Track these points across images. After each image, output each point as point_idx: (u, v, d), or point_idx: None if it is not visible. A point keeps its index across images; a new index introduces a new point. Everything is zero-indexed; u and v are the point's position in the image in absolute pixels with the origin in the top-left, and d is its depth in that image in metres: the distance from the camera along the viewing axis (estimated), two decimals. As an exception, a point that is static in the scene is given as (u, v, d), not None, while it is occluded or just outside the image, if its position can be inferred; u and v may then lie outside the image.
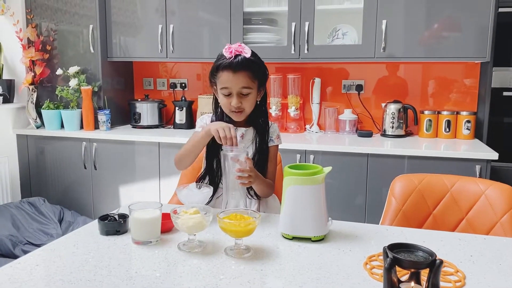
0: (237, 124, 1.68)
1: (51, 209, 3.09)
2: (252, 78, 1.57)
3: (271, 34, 3.07)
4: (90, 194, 3.24)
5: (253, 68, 1.57)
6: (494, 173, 2.60)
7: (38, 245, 2.80)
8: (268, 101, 1.77)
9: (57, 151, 3.27)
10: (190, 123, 3.38)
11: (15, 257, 2.67)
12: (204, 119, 1.75)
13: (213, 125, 1.53)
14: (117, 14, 3.25)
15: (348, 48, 2.91)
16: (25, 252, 2.69)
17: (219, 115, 1.69)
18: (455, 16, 2.69)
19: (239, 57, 1.54)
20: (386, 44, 2.79)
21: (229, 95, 1.58)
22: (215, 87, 1.63)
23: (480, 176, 2.50)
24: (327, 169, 1.32)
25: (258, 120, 1.69)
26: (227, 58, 1.55)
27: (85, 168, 3.21)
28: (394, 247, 0.97)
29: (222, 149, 1.52)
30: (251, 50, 1.59)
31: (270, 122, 1.73)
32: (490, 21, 2.63)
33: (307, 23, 2.89)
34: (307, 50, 2.91)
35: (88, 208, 3.26)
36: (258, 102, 1.66)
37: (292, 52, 2.93)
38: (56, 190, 3.32)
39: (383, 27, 2.77)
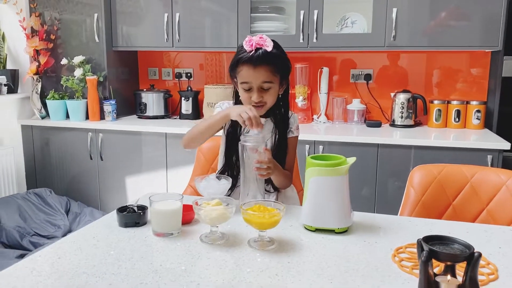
0: None
1: (58, 200, 3.06)
2: (274, 72, 1.53)
3: (279, 22, 3.03)
4: (97, 185, 3.21)
5: (275, 62, 1.52)
6: (506, 164, 2.58)
7: (46, 236, 2.77)
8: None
9: (62, 142, 3.24)
10: (197, 113, 3.35)
11: (22, 248, 2.65)
12: (224, 105, 1.70)
13: (233, 109, 1.46)
14: (122, 3, 3.20)
15: (357, 37, 2.87)
16: (33, 243, 2.67)
17: None
18: (467, 3, 2.65)
19: (260, 51, 1.49)
20: (397, 33, 2.75)
21: (249, 89, 1.54)
22: (235, 79, 1.59)
23: (492, 166, 2.48)
24: (351, 160, 1.29)
25: (278, 111, 1.66)
26: (247, 51, 1.50)
27: (91, 159, 3.18)
28: (429, 239, 0.95)
29: (240, 140, 1.49)
30: (274, 42, 1.54)
31: (290, 111, 1.69)
32: (503, 9, 2.60)
33: (316, 11, 2.85)
34: (316, 38, 2.87)
35: (94, 199, 3.23)
36: (280, 96, 1.62)
37: (301, 40, 2.89)
38: (62, 181, 3.29)
39: (393, 15, 2.73)
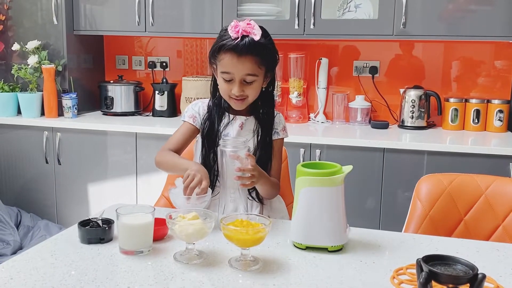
0: (236, 112, 1.72)
1: (6, 212, 3.09)
2: (259, 64, 1.60)
3: (271, 5, 3.10)
4: (53, 193, 3.25)
5: (262, 52, 1.59)
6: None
7: (-8, 254, 2.80)
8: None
9: (12, 142, 3.27)
10: (173, 110, 3.40)
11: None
12: (197, 106, 1.77)
13: (193, 166, 1.53)
14: (86, -22, 3.25)
15: (361, 24, 2.95)
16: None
17: (217, 100, 1.73)
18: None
19: (246, 39, 1.56)
20: (407, 19, 2.83)
21: (230, 80, 1.61)
22: (214, 66, 1.66)
23: (515, 176, 2.57)
24: (347, 169, 1.36)
25: (262, 108, 1.73)
26: (232, 38, 1.56)
27: (47, 162, 3.22)
28: (429, 259, 1.02)
29: (219, 144, 1.55)
30: (262, 29, 1.61)
31: (275, 111, 1.76)
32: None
33: (313, -7, 2.92)
34: (313, 25, 2.94)
35: (50, 211, 3.27)
36: (263, 89, 1.69)
37: (296, 27, 2.96)
38: (11, 189, 3.32)
39: (404, -1, 2.81)
